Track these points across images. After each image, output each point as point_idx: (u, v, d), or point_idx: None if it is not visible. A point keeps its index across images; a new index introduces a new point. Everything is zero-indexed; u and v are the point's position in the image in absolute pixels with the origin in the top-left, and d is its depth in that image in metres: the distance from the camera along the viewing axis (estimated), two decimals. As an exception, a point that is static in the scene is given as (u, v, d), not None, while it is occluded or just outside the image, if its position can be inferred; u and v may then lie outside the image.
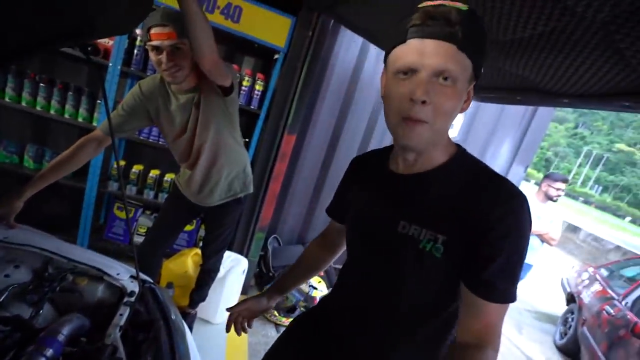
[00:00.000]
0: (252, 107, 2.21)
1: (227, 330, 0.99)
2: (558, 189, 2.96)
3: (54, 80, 1.98)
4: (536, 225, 3.03)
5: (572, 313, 3.59)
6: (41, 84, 1.95)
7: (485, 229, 0.58)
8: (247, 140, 2.33)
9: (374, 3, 1.47)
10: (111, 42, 1.93)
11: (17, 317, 0.79)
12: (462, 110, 0.62)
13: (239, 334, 0.98)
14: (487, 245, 0.58)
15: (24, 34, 0.66)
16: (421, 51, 0.55)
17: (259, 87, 2.18)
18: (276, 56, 2.13)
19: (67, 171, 1.24)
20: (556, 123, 64.85)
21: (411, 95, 0.55)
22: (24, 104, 1.97)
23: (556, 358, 3.34)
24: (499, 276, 0.58)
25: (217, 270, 1.78)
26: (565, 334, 3.54)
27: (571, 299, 3.91)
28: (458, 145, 0.68)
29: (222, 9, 1.94)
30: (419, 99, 0.54)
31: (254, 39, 2.02)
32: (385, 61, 0.63)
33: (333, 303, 0.88)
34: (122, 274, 1.05)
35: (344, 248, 0.91)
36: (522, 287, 5.17)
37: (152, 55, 1.15)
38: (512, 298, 0.60)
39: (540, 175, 56.29)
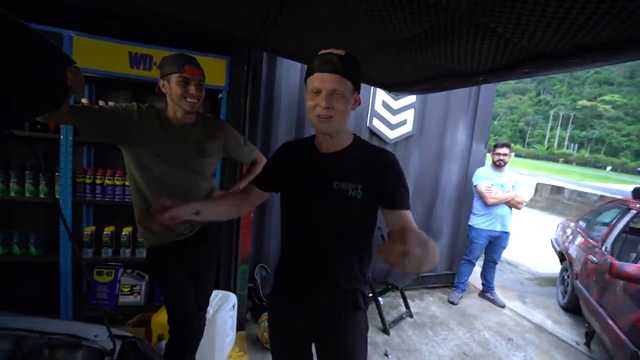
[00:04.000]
0: (209, 146, 2.29)
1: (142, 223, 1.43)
2: (498, 154, 3.26)
3: (8, 163, 2.02)
4: (498, 194, 3.21)
5: (567, 270, 3.69)
6: (-3, 170, 1.99)
7: (383, 177, 1.03)
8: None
9: (295, 30, 1.60)
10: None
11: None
12: (353, 108, 1.05)
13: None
14: (388, 184, 1.03)
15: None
16: (322, 80, 0.97)
17: (211, 126, 2.27)
18: (220, 95, 2.24)
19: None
20: (519, 95, 67.38)
21: (319, 104, 0.97)
22: (-18, 193, 1.99)
23: (563, 319, 3.40)
24: (401, 196, 1.02)
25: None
26: (566, 293, 3.61)
27: (562, 257, 4.02)
28: (354, 133, 1.13)
29: (159, 64, 2.04)
30: (324, 106, 0.97)
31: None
32: (305, 83, 1.03)
33: (285, 267, 1.17)
34: (100, 335, 1.03)
35: (247, 209, 1.35)
36: (515, 256, 5.29)
37: (177, 87, 1.36)
38: (409, 205, 1.03)
39: (519, 147, 57.99)
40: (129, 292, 2.31)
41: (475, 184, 3.31)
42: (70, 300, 2.13)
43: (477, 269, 3.68)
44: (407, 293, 3.15)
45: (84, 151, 2.31)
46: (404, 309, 3.10)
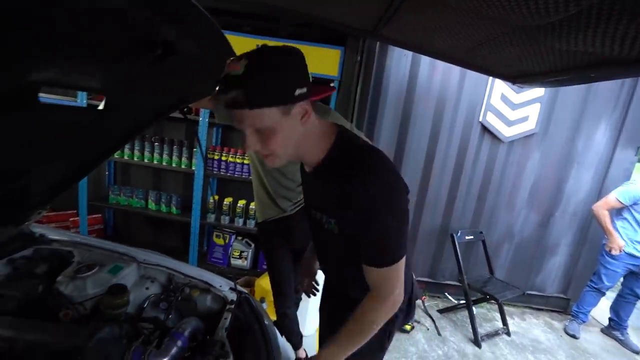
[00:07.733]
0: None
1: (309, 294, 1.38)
2: None
3: (163, 138, 2.53)
4: None
5: None
6: (155, 143, 2.51)
7: (352, 214, 0.73)
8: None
9: (416, 20, 1.55)
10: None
11: (157, 318, 1.05)
12: (305, 122, 0.71)
13: (314, 294, 1.35)
14: (357, 226, 0.74)
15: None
16: (233, 117, 0.66)
17: (319, 114, 2.41)
18: (332, 84, 2.34)
19: None
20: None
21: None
22: (146, 160, 2.56)
23: None
24: (371, 249, 0.76)
25: None
26: None
27: None
28: (337, 132, 0.80)
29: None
30: (253, 150, 0.72)
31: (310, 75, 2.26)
32: None
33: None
34: (224, 286, 1.25)
35: None
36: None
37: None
38: (385, 263, 0.75)
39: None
40: (238, 257, 2.67)
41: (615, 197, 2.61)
42: (196, 255, 2.59)
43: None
44: (506, 309, 2.83)
45: (214, 131, 2.73)
46: (499, 324, 2.81)
